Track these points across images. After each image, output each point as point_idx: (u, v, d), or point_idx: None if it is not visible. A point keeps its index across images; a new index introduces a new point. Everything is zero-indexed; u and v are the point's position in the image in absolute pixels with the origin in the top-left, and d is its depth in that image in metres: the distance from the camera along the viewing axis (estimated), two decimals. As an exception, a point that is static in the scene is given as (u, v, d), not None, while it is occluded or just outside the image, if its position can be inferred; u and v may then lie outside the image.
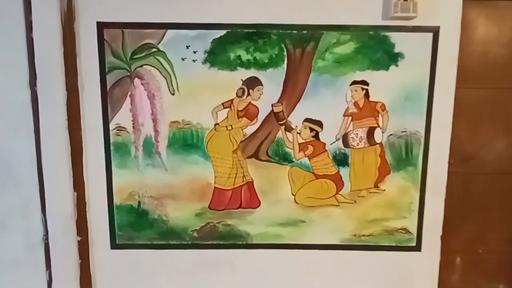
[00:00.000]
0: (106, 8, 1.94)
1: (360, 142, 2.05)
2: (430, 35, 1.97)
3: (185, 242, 2.13)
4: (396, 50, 1.97)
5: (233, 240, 2.12)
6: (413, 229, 2.12)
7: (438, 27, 1.96)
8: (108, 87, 1.99)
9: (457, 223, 2.13)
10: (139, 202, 2.09)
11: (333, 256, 2.15)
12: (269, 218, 2.10)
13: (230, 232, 2.11)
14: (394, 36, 1.96)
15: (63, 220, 2.05)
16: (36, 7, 1.89)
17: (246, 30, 1.95)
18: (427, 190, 2.08)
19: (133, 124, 2.03)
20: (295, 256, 2.14)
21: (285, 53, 1.97)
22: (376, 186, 2.08)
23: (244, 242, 2.13)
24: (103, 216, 2.10)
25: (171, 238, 2.13)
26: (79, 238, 2.09)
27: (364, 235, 2.12)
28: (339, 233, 2.12)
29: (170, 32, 1.95)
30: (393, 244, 2.14)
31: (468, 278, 2.19)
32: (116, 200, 2.08)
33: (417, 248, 2.14)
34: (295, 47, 1.97)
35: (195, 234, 2.12)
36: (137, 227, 2.11)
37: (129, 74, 1.99)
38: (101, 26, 1.95)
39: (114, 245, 2.13)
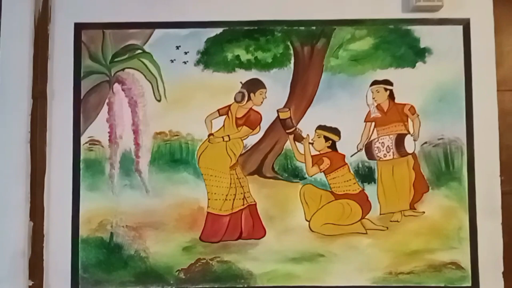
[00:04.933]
0: (85, 8, 1.75)
1: (388, 152, 1.69)
2: (459, 28, 1.72)
3: (169, 287, 1.66)
4: (422, 45, 1.72)
5: (232, 283, 1.66)
6: (466, 264, 1.65)
7: (468, 19, 1.72)
8: (82, 94, 1.72)
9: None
10: (111, 233, 1.67)
11: (364, 303, 1.66)
12: (277, 251, 1.67)
13: (227, 271, 1.66)
14: (418, 30, 1.73)
15: (12, 258, 1.63)
16: (7, 6, 1.73)
17: (246, 28, 1.73)
18: (478, 212, 1.65)
19: (109, 136, 1.71)
20: (314, 303, 1.66)
21: (292, 51, 1.73)
22: (412, 208, 1.67)
23: (246, 285, 1.66)
24: (64, 253, 1.66)
25: (150, 281, 1.66)
26: (30, 283, 1.64)
27: (403, 273, 1.65)
28: (370, 270, 1.66)
29: (158, 32, 1.74)
30: (442, 285, 1.65)
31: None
32: (83, 232, 1.67)
33: (474, 289, 1.66)
34: (303, 45, 1.73)
35: (182, 275, 1.66)
36: (107, 267, 1.67)
37: (108, 79, 1.73)
38: (79, 28, 1.74)
39: (75, 292, 1.67)
